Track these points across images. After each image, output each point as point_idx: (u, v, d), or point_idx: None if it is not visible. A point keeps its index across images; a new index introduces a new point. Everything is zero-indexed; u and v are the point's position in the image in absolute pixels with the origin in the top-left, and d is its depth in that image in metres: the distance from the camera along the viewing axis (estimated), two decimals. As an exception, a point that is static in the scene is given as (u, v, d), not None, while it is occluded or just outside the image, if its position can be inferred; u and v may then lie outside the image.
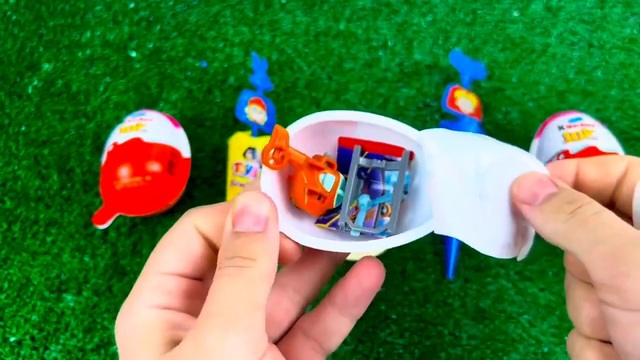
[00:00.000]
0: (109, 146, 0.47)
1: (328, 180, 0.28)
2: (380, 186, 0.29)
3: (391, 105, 0.53)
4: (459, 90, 0.49)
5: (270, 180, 0.26)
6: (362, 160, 0.29)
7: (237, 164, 0.47)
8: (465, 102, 0.49)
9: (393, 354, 0.43)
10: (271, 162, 0.25)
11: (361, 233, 0.27)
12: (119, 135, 0.47)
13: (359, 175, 0.29)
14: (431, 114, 0.52)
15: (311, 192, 0.27)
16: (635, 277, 0.19)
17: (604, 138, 0.43)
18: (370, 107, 0.53)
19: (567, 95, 0.52)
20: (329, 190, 0.28)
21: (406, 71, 0.55)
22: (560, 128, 0.45)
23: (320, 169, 0.27)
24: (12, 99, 0.56)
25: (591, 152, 0.42)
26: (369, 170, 0.29)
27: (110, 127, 0.53)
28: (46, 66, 0.57)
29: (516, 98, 0.53)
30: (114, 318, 0.45)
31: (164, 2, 0.60)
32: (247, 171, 0.47)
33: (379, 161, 0.28)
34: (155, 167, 0.45)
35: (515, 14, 0.57)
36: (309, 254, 0.28)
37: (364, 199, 0.29)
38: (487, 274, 0.45)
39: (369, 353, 0.43)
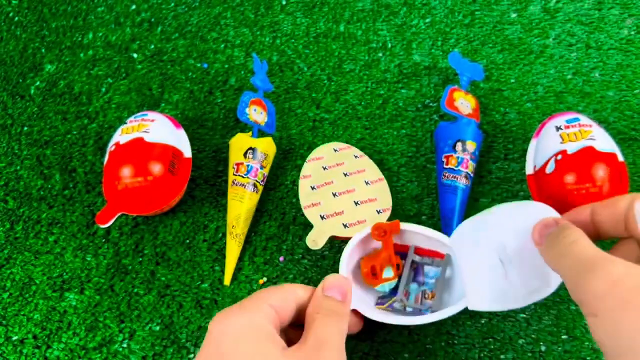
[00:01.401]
0: (111, 146, 0.47)
1: (388, 272, 0.42)
2: (420, 278, 0.43)
3: (390, 106, 0.54)
4: (458, 91, 0.50)
5: (346, 267, 0.41)
6: (415, 257, 0.43)
7: (237, 164, 0.48)
8: (464, 103, 0.49)
9: (391, 352, 0.43)
10: (376, 232, 0.42)
11: (412, 310, 0.41)
12: (120, 136, 0.47)
13: (411, 266, 0.43)
14: (430, 114, 0.53)
15: (373, 267, 0.41)
16: (598, 310, 0.26)
17: (601, 138, 0.44)
18: (369, 108, 0.53)
19: (565, 96, 0.53)
20: (382, 277, 0.41)
21: (405, 72, 0.55)
22: (558, 128, 0.45)
23: (392, 263, 0.42)
24: (14, 99, 0.56)
25: (588, 152, 0.42)
26: (414, 266, 0.43)
27: (112, 128, 0.53)
28: (48, 67, 0.58)
29: (514, 99, 0.53)
30: (116, 317, 0.45)
31: (166, 3, 0.61)
32: (248, 171, 0.47)
33: (427, 259, 0.43)
34: (156, 167, 0.45)
35: (513, 15, 0.58)
36: None
37: (414, 286, 0.43)
38: (485, 273, 0.45)
39: (368, 351, 0.43)
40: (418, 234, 0.42)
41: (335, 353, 0.31)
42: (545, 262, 0.31)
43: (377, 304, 0.42)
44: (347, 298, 0.36)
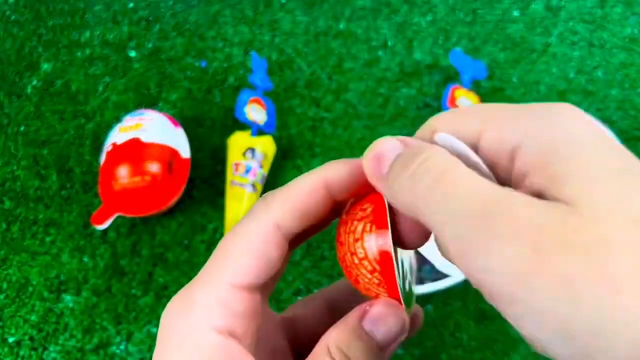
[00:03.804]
0: (107, 146, 0.47)
1: None
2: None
3: (391, 105, 0.53)
4: (460, 90, 0.49)
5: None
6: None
7: (236, 164, 0.47)
8: (466, 101, 0.49)
9: (393, 355, 0.42)
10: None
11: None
12: (118, 135, 0.47)
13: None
14: (431, 113, 0.52)
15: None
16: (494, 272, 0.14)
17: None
18: (370, 107, 0.53)
19: (568, 94, 0.52)
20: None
21: (406, 71, 0.55)
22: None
23: None
24: (11, 99, 0.56)
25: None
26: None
27: (109, 127, 0.53)
28: (45, 66, 0.57)
29: (517, 97, 0.52)
30: (113, 318, 0.45)
31: (164, 1, 0.60)
32: (247, 171, 0.47)
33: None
34: (154, 167, 0.45)
35: (516, 13, 0.57)
36: None
37: (427, 268, 0.44)
38: (488, 274, 0.45)
39: (369, 353, 0.42)
40: None
41: None
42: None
43: None
44: (395, 343, 0.19)
